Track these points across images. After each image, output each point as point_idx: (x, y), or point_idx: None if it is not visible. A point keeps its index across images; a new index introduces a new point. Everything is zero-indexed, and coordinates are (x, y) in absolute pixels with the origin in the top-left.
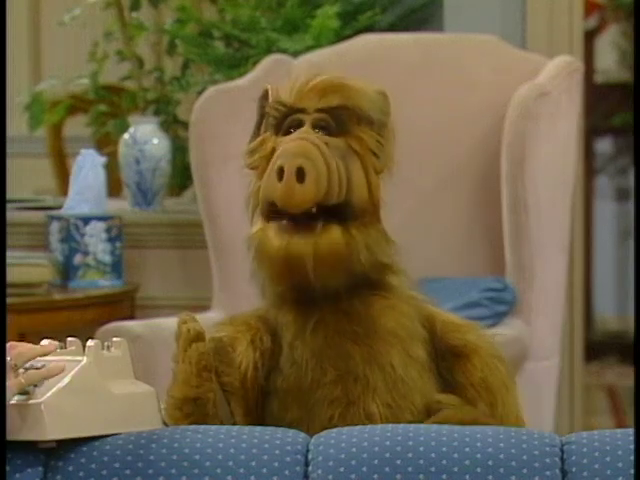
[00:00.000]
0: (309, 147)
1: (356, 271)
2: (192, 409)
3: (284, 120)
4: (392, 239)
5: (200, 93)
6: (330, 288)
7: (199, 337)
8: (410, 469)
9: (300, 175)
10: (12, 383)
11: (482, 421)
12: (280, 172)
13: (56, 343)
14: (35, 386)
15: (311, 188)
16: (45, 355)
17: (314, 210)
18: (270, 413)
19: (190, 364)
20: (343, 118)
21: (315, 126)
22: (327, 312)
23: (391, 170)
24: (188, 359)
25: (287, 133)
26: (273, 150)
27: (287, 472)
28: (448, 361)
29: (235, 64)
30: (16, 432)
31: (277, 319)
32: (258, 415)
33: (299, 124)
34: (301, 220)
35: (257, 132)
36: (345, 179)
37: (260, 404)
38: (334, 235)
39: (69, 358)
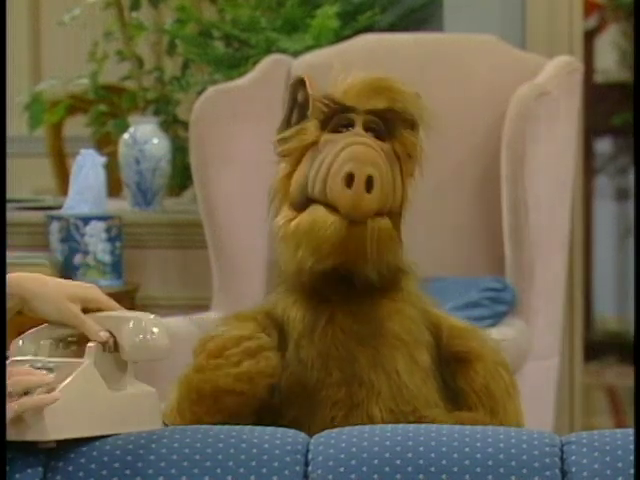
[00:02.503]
0: (375, 155)
1: (392, 264)
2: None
3: (332, 117)
4: (402, 241)
5: (200, 93)
6: (363, 278)
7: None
8: (410, 469)
9: (369, 184)
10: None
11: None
12: (349, 179)
13: (52, 376)
14: None
15: (377, 198)
16: (40, 386)
17: None
18: (271, 409)
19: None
20: (392, 121)
21: (366, 128)
22: (337, 312)
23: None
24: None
25: (336, 130)
26: (314, 142)
27: (287, 472)
28: (451, 367)
29: (235, 64)
30: (16, 433)
31: (284, 315)
32: (259, 410)
33: (349, 123)
34: None
35: (289, 120)
36: (397, 187)
37: (263, 400)
38: (384, 223)
39: (69, 359)
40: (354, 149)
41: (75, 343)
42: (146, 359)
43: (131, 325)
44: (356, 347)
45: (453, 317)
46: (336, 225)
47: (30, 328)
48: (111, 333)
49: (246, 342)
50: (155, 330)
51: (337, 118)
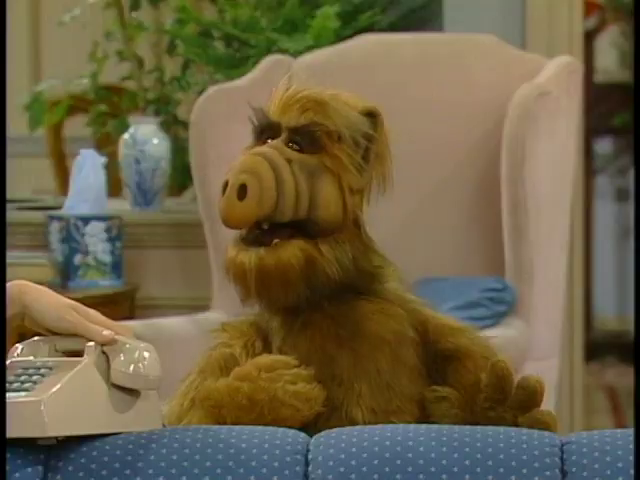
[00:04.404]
0: (259, 163)
1: (323, 284)
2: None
3: (264, 131)
4: (380, 252)
5: (200, 93)
6: (290, 300)
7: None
8: (410, 469)
9: (242, 192)
10: None
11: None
12: (225, 187)
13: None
14: (34, 383)
15: (251, 206)
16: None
17: (265, 227)
18: None
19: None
20: (317, 135)
21: (289, 141)
22: (313, 316)
23: (386, 188)
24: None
25: (265, 144)
26: None
27: (287, 472)
28: (439, 365)
29: (235, 64)
30: (15, 429)
31: (268, 324)
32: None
33: (275, 137)
34: (255, 236)
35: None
36: (306, 196)
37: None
38: (289, 251)
39: (68, 358)
40: (242, 159)
41: (74, 355)
42: (135, 388)
43: (122, 357)
44: (335, 349)
45: (442, 315)
46: (229, 255)
47: (29, 328)
48: (105, 353)
49: (295, 368)
50: (146, 363)
51: (266, 133)
